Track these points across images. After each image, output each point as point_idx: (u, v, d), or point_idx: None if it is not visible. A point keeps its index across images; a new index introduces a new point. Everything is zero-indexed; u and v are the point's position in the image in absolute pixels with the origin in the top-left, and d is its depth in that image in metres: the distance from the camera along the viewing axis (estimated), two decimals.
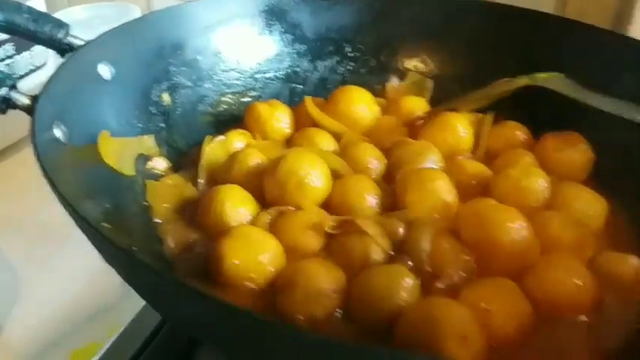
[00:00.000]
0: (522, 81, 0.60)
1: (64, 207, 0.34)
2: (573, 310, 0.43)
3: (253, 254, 0.45)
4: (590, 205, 0.53)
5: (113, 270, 0.68)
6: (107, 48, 0.55)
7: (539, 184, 0.53)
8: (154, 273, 0.28)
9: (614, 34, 0.65)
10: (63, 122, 0.45)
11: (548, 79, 0.58)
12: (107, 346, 0.56)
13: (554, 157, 0.59)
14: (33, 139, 0.40)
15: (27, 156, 0.92)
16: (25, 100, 0.43)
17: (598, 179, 0.59)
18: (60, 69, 0.48)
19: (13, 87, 0.42)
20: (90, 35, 0.54)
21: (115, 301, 0.64)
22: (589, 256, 0.49)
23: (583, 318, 0.43)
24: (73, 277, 0.67)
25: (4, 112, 0.43)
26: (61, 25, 0.51)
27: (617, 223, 0.55)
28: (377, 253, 0.47)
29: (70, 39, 0.52)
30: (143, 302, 0.59)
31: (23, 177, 0.82)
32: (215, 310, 0.25)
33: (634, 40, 0.64)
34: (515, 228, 0.45)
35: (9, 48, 0.75)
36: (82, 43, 0.52)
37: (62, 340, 0.60)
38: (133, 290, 0.62)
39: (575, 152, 0.59)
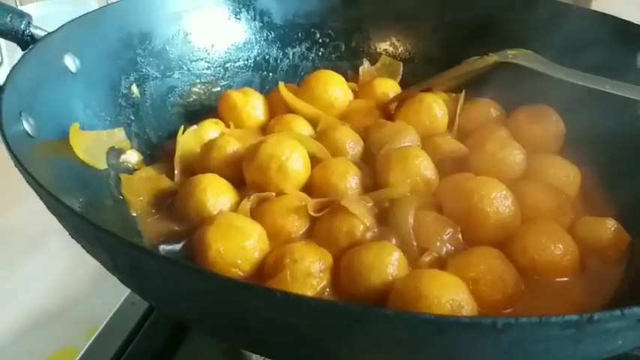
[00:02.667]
0: (492, 58, 0.60)
1: (43, 198, 0.32)
2: (557, 273, 0.44)
3: (238, 240, 0.45)
4: (564, 173, 0.54)
5: (82, 273, 0.66)
6: (72, 38, 0.53)
7: (514, 155, 0.54)
8: (143, 252, 0.27)
9: (577, 8, 0.66)
10: (30, 114, 0.43)
11: (517, 55, 0.59)
12: (84, 349, 0.54)
13: (527, 129, 0.60)
14: (2, 131, 0.38)
15: None
16: None
17: (570, 149, 0.60)
18: (23, 59, 0.46)
19: None
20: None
21: (86, 305, 0.62)
22: (568, 221, 0.50)
23: (567, 279, 0.44)
24: (41, 283, 0.65)
25: None
26: (22, 15, 0.49)
27: (591, 190, 0.56)
28: (363, 232, 0.47)
29: (32, 30, 0.50)
30: (116, 304, 0.59)
31: None
32: (208, 283, 0.25)
33: (595, 12, 0.66)
34: (498, 197, 0.46)
35: None
36: (45, 33, 0.50)
37: (35, 346, 0.58)
38: (103, 293, 0.61)
39: (547, 124, 0.60)
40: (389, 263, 0.42)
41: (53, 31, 0.51)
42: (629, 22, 0.61)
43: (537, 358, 0.26)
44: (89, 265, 0.64)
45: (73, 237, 0.34)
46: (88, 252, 0.34)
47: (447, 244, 0.46)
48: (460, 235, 0.46)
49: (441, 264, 0.44)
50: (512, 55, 0.59)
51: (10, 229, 0.73)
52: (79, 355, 0.54)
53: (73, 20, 0.53)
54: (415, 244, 0.46)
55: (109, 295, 0.61)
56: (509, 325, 0.22)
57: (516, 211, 0.47)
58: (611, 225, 0.48)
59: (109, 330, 0.57)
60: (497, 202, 0.45)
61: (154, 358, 0.54)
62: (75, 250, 0.66)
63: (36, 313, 0.62)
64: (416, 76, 0.72)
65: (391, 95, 0.67)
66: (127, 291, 0.61)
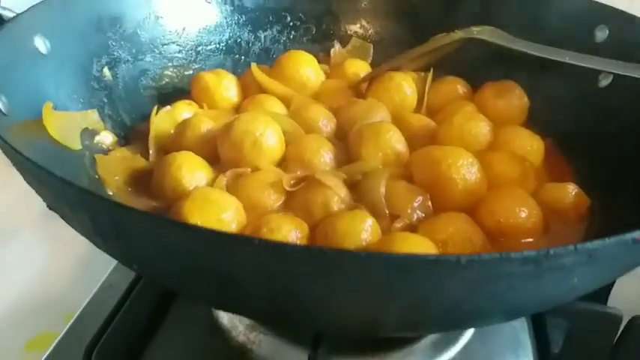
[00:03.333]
0: (457, 35, 0.62)
1: (21, 167, 0.33)
2: (522, 235, 0.46)
3: (214, 213, 0.46)
4: (528, 143, 0.56)
5: (59, 262, 0.66)
6: (41, 20, 0.52)
7: (480, 127, 0.56)
8: (126, 208, 0.28)
9: None
10: (2, 93, 0.43)
11: (481, 31, 0.61)
12: (62, 334, 0.55)
13: (492, 104, 0.63)
14: None
15: None
16: None
17: (534, 121, 0.63)
18: None
19: None
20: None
21: (63, 291, 0.63)
22: (533, 187, 0.53)
23: (531, 240, 0.46)
24: (19, 271, 0.65)
25: None
26: None
27: (554, 158, 0.59)
28: (337, 203, 0.48)
29: (1, 11, 0.50)
30: (93, 289, 0.59)
31: None
32: (190, 235, 0.26)
33: None
34: (465, 165, 0.48)
35: None
36: (14, 15, 0.50)
37: (14, 332, 0.58)
38: (81, 279, 0.61)
39: (511, 98, 0.63)
40: (362, 230, 0.44)
41: (22, 12, 0.51)
42: None
43: (502, 296, 0.27)
44: (66, 253, 0.65)
45: (52, 206, 0.35)
46: (66, 219, 0.34)
47: (418, 211, 0.47)
48: (430, 203, 0.48)
49: (412, 230, 0.46)
50: (477, 31, 0.61)
51: None
52: (57, 339, 0.55)
53: (42, 2, 0.53)
54: (387, 212, 0.47)
55: (87, 282, 0.61)
56: (472, 261, 0.24)
57: (482, 178, 0.49)
58: (572, 189, 0.50)
59: (86, 314, 0.57)
60: (464, 169, 0.47)
61: (132, 340, 0.54)
62: (51, 240, 0.66)
63: (14, 300, 0.62)
64: (386, 57, 0.74)
65: (362, 75, 0.69)
66: (104, 276, 0.62)
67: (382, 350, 0.52)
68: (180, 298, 0.58)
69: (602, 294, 0.57)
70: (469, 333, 0.54)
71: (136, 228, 0.27)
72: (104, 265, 0.61)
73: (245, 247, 0.25)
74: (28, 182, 0.34)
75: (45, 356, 0.53)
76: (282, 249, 0.25)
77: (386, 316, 0.27)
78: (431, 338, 0.54)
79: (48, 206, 0.36)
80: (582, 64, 0.56)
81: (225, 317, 0.55)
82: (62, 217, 0.35)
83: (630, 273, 0.58)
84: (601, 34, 0.62)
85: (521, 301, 0.28)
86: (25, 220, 0.70)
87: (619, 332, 0.47)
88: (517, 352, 0.54)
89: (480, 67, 0.68)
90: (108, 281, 0.61)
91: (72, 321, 0.56)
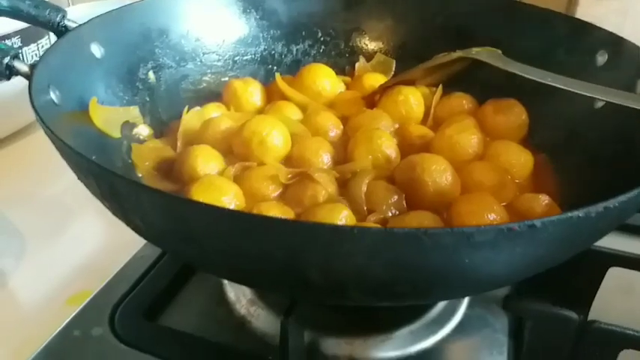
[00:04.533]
0: (457, 54, 0.67)
1: (62, 151, 0.42)
2: None
3: (216, 195, 0.54)
4: (515, 157, 0.61)
5: (104, 234, 0.76)
6: (98, 30, 0.63)
7: (469, 139, 0.61)
8: (142, 186, 0.36)
9: (545, 12, 0.72)
10: (57, 87, 0.54)
11: (480, 52, 0.65)
12: (95, 292, 0.64)
13: (492, 119, 0.67)
14: (31, 100, 0.48)
15: (35, 140, 1.03)
16: (25, 68, 0.52)
17: (533, 138, 0.67)
18: (56, 44, 0.57)
19: (15, 57, 0.51)
20: None
21: (104, 259, 0.72)
22: (510, 198, 0.57)
23: None
24: (70, 241, 0.76)
25: (8, 78, 0.52)
26: (59, 10, 0.60)
27: (544, 174, 0.62)
28: (324, 196, 0.55)
29: (67, 22, 0.61)
30: (127, 259, 0.69)
31: (32, 158, 0.92)
32: (193, 208, 0.33)
33: (559, 14, 0.72)
34: (437, 170, 0.53)
35: (16, 40, 0.84)
36: (76, 25, 0.61)
37: (60, 288, 0.69)
38: (118, 250, 0.71)
39: (510, 115, 0.67)
40: (337, 219, 0.50)
41: (83, 24, 0.62)
42: (588, 23, 0.67)
43: (398, 267, 0.33)
44: (108, 229, 0.76)
45: (78, 177, 0.44)
46: (88, 188, 0.43)
47: (392, 208, 0.53)
48: (404, 202, 0.54)
49: (383, 224, 0.52)
50: (476, 52, 0.66)
51: (49, 198, 0.85)
52: (91, 297, 0.65)
53: (100, 15, 0.64)
54: (365, 207, 0.54)
55: (123, 252, 0.71)
56: (362, 231, 0.30)
57: (453, 183, 0.54)
58: (543, 200, 0.54)
59: (118, 278, 0.67)
60: (436, 174, 0.53)
61: (152, 302, 0.63)
62: (98, 218, 0.78)
63: (64, 264, 0.73)
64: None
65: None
66: (137, 248, 0.72)
67: (363, 333, 0.58)
68: (197, 272, 0.67)
69: (582, 304, 0.59)
70: (450, 326, 0.59)
71: (124, 191, 0.36)
72: (139, 240, 0.71)
73: (241, 221, 0.32)
74: (61, 155, 0.44)
75: (79, 309, 0.63)
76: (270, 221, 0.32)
77: (308, 277, 0.34)
78: (411, 327, 0.59)
79: (77, 177, 0.46)
80: (576, 91, 0.58)
81: (232, 291, 0.64)
82: (85, 185, 0.44)
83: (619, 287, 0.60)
84: (601, 58, 0.65)
85: (419, 277, 0.34)
86: (81, 200, 0.82)
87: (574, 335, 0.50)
88: (492, 350, 0.58)
89: (490, 86, 0.73)
90: (140, 253, 0.70)
91: (105, 282, 0.66)
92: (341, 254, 0.31)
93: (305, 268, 0.33)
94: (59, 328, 0.60)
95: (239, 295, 0.63)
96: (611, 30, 0.64)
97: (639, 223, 0.71)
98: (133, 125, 0.65)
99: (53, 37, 0.91)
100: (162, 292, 0.64)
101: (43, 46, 0.91)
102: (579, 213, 0.33)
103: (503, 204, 0.55)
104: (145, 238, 0.44)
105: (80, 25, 0.61)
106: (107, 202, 0.40)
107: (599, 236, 0.39)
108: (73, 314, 0.62)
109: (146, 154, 0.63)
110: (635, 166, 0.55)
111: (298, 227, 0.31)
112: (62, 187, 0.85)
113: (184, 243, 0.37)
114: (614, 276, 0.60)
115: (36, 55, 0.90)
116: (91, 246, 0.76)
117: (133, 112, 0.66)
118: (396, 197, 0.54)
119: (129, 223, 0.41)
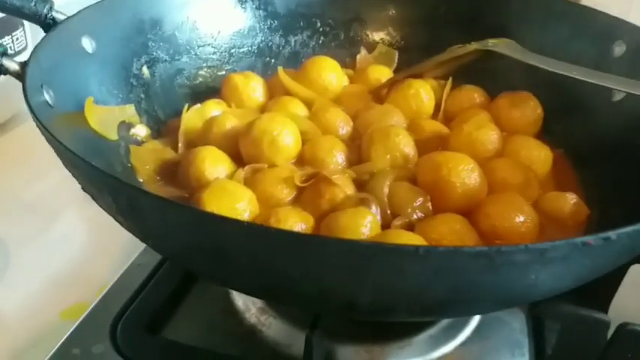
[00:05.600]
0: (473, 46, 0.65)
1: (60, 153, 0.38)
2: (516, 238, 0.48)
3: (230, 202, 0.50)
4: (535, 153, 0.58)
5: (97, 240, 0.72)
6: (89, 22, 0.58)
7: (489, 135, 0.58)
8: (140, 191, 0.32)
9: (560, 1, 0.70)
10: (50, 87, 0.49)
11: (497, 44, 0.63)
12: (93, 304, 0.60)
13: (506, 114, 0.65)
14: (26, 101, 0.43)
15: (12, 139, 0.96)
16: (16, 66, 0.47)
17: (548, 132, 0.65)
18: (45, 39, 0.52)
19: (4, 54, 0.46)
20: None
21: (98, 267, 0.68)
22: (535, 195, 0.55)
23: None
24: (60, 247, 0.71)
25: None
26: (46, 0, 0.55)
27: (563, 169, 0.61)
28: (343, 199, 0.52)
29: (54, 14, 0.55)
30: (124, 267, 0.65)
31: (10, 158, 0.86)
32: (189, 215, 0.30)
33: (576, 5, 0.70)
34: (465, 170, 0.51)
35: None
36: (65, 17, 0.56)
37: (52, 301, 0.64)
38: (114, 257, 0.67)
39: (525, 109, 0.65)
40: (362, 225, 0.47)
41: (72, 15, 0.57)
42: (605, 13, 0.65)
43: (461, 289, 0.30)
44: (102, 233, 0.72)
45: (84, 188, 0.40)
46: (95, 200, 0.39)
47: (418, 211, 0.50)
48: (430, 204, 0.51)
49: (410, 228, 0.49)
50: (492, 43, 0.63)
51: (31, 200, 0.79)
52: (89, 309, 0.60)
53: (90, 6, 0.59)
54: (389, 210, 0.51)
55: (119, 260, 0.67)
56: (428, 251, 0.27)
57: (482, 183, 0.51)
58: (571, 198, 0.52)
59: (116, 288, 0.63)
60: (464, 174, 0.50)
61: (154, 314, 0.59)
62: (89, 220, 0.73)
63: (54, 273, 0.68)
64: (410, 64, 0.76)
65: (383, 81, 0.72)
66: (135, 256, 0.67)
67: (381, 340, 0.55)
68: (200, 280, 0.63)
69: (602, 302, 0.58)
70: (468, 330, 0.57)
71: (148, 209, 0.32)
72: (135, 246, 0.67)
73: (232, 226, 0.29)
74: (65, 167, 0.40)
75: (77, 324, 0.58)
76: (265, 230, 0.29)
77: (356, 299, 0.31)
78: (429, 332, 0.57)
79: (82, 188, 0.42)
80: (595, 82, 0.57)
81: (240, 300, 0.60)
82: (93, 198, 0.40)
83: (633, 282, 0.59)
84: (619, 49, 0.63)
85: (481, 295, 0.31)
86: (69, 201, 0.76)
87: (607, 338, 0.49)
88: (513, 352, 0.56)
89: (500, 77, 0.70)
90: (137, 261, 0.66)
91: (103, 294, 0.62)
92: (402, 276, 0.28)
93: (357, 290, 0.30)
94: (56, 347, 0.56)
95: (248, 304, 0.60)
96: None
97: None
98: (130, 125, 0.61)
99: (29, 28, 0.87)
100: (165, 303, 0.61)
101: (17, 39, 0.85)
102: None
103: (529, 203, 0.53)
104: (164, 255, 0.40)
105: (69, 17, 0.56)
106: (123, 218, 0.36)
107: None
108: (70, 330, 0.57)
109: (146, 156, 0.58)
110: None
111: (356, 247, 0.28)
112: (45, 188, 0.79)
113: (214, 263, 0.34)
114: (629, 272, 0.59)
115: (10, 48, 0.83)
116: (81, 253, 0.72)
117: (129, 111, 0.61)
118: (421, 199, 0.51)
119: (146, 240, 0.37)
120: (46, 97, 0.48)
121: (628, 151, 0.58)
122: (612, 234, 0.29)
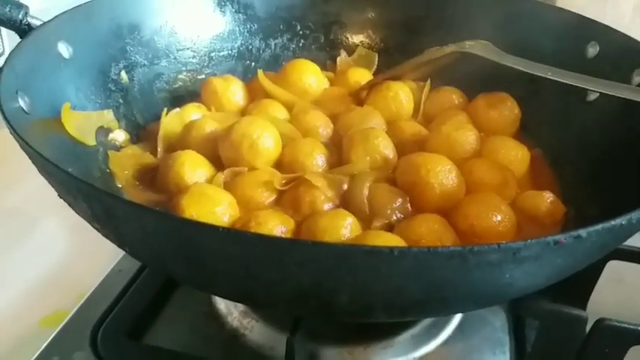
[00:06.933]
0: (450, 48, 0.65)
1: (34, 160, 0.38)
2: (494, 237, 0.49)
3: (209, 206, 0.50)
4: (513, 153, 0.59)
5: (76, 246, 0.71)
6: (65, 28, 0.58)
7: (467, 136, 0.59)
8: (115, 198, 0.32)
9: (536, 3, 0.71)
10: (26, 93, 0.48)
11: (473, 46, 0.64)
12: (73, 311, 0.59)
13: (484, 114, 0.65)
14: (2, 111, 0.43)
15: None
16: None
17: (525, 132, 0.66)
18: (20, 45, 0.51)
19: None
20: None
21: (77, 274, 0.68)
22: (512, 194, 0.55)
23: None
24: (38, 254, 0.71)
25: None
26: (20, 5, 0.54)
27: (540, 169, 0.61)
28: (323, 202, 0.52)
29: (30, 19, 0.55)
30: (104, 273, 0.64)
31: None
32: (164, 221, 0.30)
33: (551, 6, 0.71)
34: (443, 171, 0.51)
35: None
36: (41, 23, 0.55)
37: (31, 308, 0.63)
38: (93, 264, 0.66)
39: (502, 109, 0.66)
40: (342, 227, 0.48)
41: (48, 21, 0.56)
42: (579, 15, 0.66)
43: (436, 288, 0.31)
44: (81, 240, 0.71)
45: (60, 195, 0.40)
46: (72, 207, 0.39)
47: (397, 212, 0.51)
48: (409, 205, 0.51)
49: (390, 229, 0.49)
50: (469, 45, 0.64)
51: (9, 208, 0.78)
52: (69, 317, 0.60)
53: (66, 11, 0.58)
54: (368, 212, 0.51)
55: (99, 266, 0.66)
56: (403, 252, 0.27)
57: (459, 184, 0.52)
58: (548, 197, 0.53)
59: (96, 295, 0.62)
60: (442, 175, 0.51)
61: (135, 320, 0.58)
62: (68, 227, 0.72)
63: (33, 280, 0.68)
64: (390, 66, 0.77)
65: (363, 83, 0.73)
66: (114, 262, 0.67)
67: (364, 341, 0.56)
68: (181, 285, 0.63)
69: (580, 299, 0.59)
70: (450, 328, 0.58)
71: (123, 215, 0.32)
72: (115, 252, 0.67)
73: (206, 232, 0.29)
74: (40, 173, 0.39)
75: (57, 331, 0.58)
76: (242, 235, 0.29)
77: (334, 301, 0.31)
78: (412, 332, 0.57)
79: (58, 195, 0.41)
80: (569, 82, 0.58)
81: (222, 304, 0.60)
82: (69, 205, 0.40)
83: (610, 278, 0.60)
84: (592, 50, 0.64)
85: (457, 294, 0.32)
86: (48, 208, 0.75)
87: (586, 333, 0.50)
88: (495, 350, 0.57)
89: (478, 79, 0.71)
90: (117, 267, 0.66)
91: (83, 300, 0.61)
92: (378, 277, 0.29)
93: (334, 292, 0.30)
94: (36, 354, 0.55)
95: (230, 307, 0.60)
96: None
97: None
98: (108, 130, 0.60)
99: (6, 35, 0.86)
100: (146, 309, 0.60)
101: None
102: (622, 220, 0.31)
103: (507, 202, 0.53)
104: (141, 261, 0.40)
105: (45, 22, 0.56)
106: (99, 225, 0.36)
107: (628, 238, 0.38)
108: (50, 337, 0.57)
109: (125, 161, 0.58)
110: (632, 157, 0.55)
111: (332, 250, 0.28)
112: (24, 195, 0.78)
113: (192, 268, 0.34)
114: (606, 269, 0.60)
115: None
116: (60, 260, 0.71)
117: (107, 117, 0.61)
118: (400, 200, 0.51)
119: (122, 246, 0.37)
120: (21, 103, 0.48)
121: (603, 149, 0.59)
122: (583, 232, 0.29)
